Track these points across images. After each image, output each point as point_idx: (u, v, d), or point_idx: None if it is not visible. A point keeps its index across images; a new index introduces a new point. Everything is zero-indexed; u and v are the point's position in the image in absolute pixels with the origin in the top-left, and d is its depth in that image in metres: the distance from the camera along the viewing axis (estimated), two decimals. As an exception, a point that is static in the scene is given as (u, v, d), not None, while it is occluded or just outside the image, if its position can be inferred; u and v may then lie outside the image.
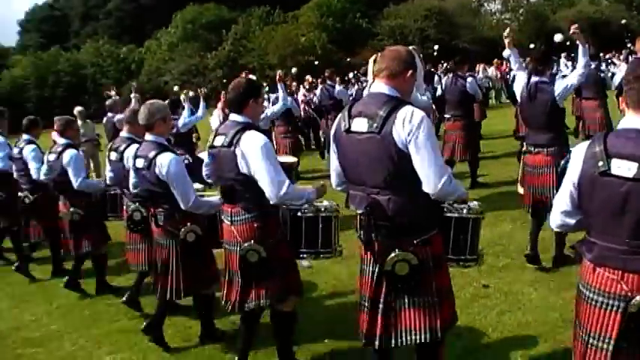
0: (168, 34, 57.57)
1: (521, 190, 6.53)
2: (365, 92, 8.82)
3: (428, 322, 3.51)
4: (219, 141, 4.38)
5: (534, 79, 6.22)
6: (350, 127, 3.52)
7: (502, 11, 68.66)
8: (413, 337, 3.51)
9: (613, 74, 13.59)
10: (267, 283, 4.39)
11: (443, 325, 3.54)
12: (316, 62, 28.98)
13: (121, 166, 5.99)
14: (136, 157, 5.18)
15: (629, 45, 14.59)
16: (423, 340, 3.50)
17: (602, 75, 11.33)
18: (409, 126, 3.28)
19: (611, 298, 2.85)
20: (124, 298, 6.23)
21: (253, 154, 4.15)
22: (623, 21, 35.66)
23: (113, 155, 6.18)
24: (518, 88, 6.48)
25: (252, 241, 4.28)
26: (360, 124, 3.47)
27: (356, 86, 18.43)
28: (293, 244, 4.52)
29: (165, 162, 4.87)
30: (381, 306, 3.53)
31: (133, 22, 62.46)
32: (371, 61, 14.48)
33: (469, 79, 10.15)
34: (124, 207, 6.24)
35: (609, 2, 70.52)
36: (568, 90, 6.22)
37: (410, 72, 3.54)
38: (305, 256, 4.66)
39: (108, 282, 7.18)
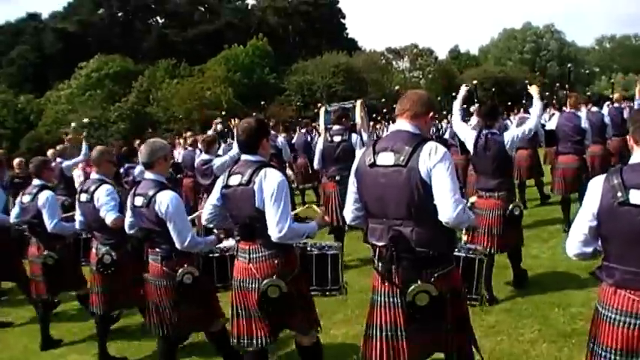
0: (69, 85, 56.67)
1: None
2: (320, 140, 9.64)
3: (445, 341, 3.85)
4: (235, 180, 4.57)
5: (485, 131, 7.02)
6: (375, 161, 3.83)
7: (410, 69, 71.65)
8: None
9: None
10: (292, 318, 4.60)
11: (458, 345, 3.90)
12: (223, 113, 29.42)
13: (92, 207, 6.12)
14: (134, 195, 5.26)
15: (525, 102, 16.49)
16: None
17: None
18: (434, 157, 3.63)
19: (633, 317, 3.17)
20: None
21: (270, 190, 4.38)
22: (526, 81, 38.35)
23: (83, 197, 6.27)
24: (470, 140, 7.19)
25: (274, 277, 4.44)
26: (386, 158, 3.78)
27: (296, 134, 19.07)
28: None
29: (165, 200, 5.02)
30: (402, 333, 3.78)
31: (35, 71, 61.22)
32: (322, 112, 15.22)
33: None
34: (94, 250, 6.28)
35: (514, 63, 75.50)
36: (517, 139, 6.98)
37: (431, 114, 3.98)
38: (314, 293, 4.90)
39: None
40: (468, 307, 4.25)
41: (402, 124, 3.93)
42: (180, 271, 5.13)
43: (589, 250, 3.43)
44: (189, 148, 13.59)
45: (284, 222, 4.34)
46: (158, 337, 5.49)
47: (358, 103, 22.19)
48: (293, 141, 16.67)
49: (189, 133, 17.11)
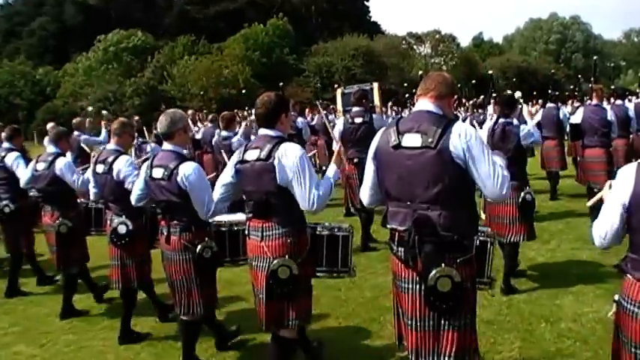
0: (87, 58, 56.86)
1: (483, 216, 7.27)
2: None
3: (463, 346, 3.70)
4: (252, 155, 4.48)
5: (502, 120, 7.08)
6: (400, 142, 3.70)
7: (432, 55, 71.49)
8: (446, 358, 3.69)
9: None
10: (294, 303, 4.48)
11: (469, 349, 3.77)
12: (244, 91, 29.03)
13: (109, 178, 6.04)
14: (152, 167, 5.17)
15: (554, 93, 16.42)
16: None
17: (560, 117, 12.78)
18: (465, 139, 3.54)
19: None
20: (119, 335, 6.25)
21: (292, 166, 4.31)
22: (552, 71, 38.34)
23: (100, 167, 6.17)
24: (485, 128, 7.32)
25: (286, 256, 4.37)
26: (412, 140, 3.66)
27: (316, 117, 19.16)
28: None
29: (188, 171, 4.96)
30: (424, 324, 3.70)
31: (55, 43, 61.51)
32: (338, 94, 15.40)
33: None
34: (109, 221, 6.18)
35: (538, 53, 75.36)
36: (530, 135, 7.02)
37: (454, 97, 3.93)
38: (321, 275, 4.84)
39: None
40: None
41: (426, 104, 3.82)
42: (200, 245, 5.11)
43: (616, 240, 3.29)
44: (210, 125, 13.64)
45: (313, 192, 4.30)
46: (179, 316, 5.42)
47: (375, 85, 22.17)
48: (313, 122, 16.68)
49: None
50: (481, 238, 4.35)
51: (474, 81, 33.11)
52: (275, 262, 4.36)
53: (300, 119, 14.27)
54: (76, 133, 12.42)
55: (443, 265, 3.57)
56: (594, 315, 6.18)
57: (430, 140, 3.58)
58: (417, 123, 3.71)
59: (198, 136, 13.81)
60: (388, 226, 3.88)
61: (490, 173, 3.57)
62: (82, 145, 11.86)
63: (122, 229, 6.01)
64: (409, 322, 3.76)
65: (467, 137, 3.57)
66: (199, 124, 16.54)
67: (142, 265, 6.25)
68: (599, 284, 7.02)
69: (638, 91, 14.26)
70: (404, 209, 3.73)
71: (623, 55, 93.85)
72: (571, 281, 7.23)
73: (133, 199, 5.53)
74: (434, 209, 3.61)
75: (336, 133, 9.46)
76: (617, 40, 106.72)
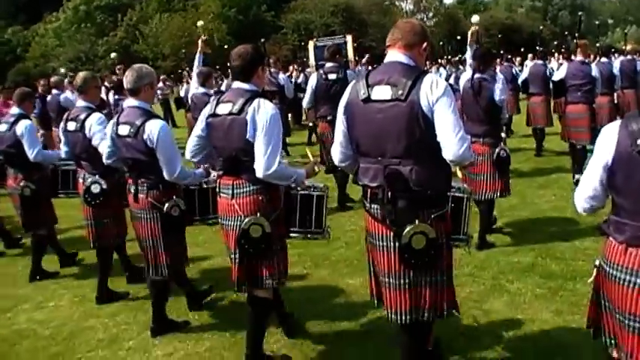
0: (57, 17, 55.90)
1: (459, 174, 7.44)
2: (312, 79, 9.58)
3: (436, 300, 3.73)
4: (224, 109, 4.37)
5: (477, 75, 7.18)
6: (370, 95, 3.64)
7: (414, 11, 71.14)
8: (423, 314, 3.73)
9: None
10: (268, 263, 4.44)
11: (447, 306, 3.79)
12: (226, 46, 28.45)
13: (81, 136, 5.99)
14: (118, 123, 5.14)
15: (541, 49, 16.54)
16: (426, 318, 3.75)
17: (547, 73, 13.01)
18: (436, 91, 3.47)
19: None
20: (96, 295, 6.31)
21: (262, 122, 4.19)
22: (541, 27, 38.56)
23: (71, 125, 6.09)
24: (462, 83, 7.48)
25: (257, 214, 4.32)
26: (382, 92, 3.60)
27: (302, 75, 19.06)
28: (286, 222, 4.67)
29: (154, 129, 4.92)
30: (399, 282, 3.70)
31: (29, 2, 60.12)
32: (310, 47, 15.35)
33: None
34: (81, 180, 6.14)
35: (525, 10, 75.36)
36: (501, 95, 7.12)
37: (424, 44, 3.78)
38: (294, 235, 4.81)
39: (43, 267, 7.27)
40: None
41: (395, 54, 3.73)
42: (167, 203, 5.10)
43: (599, 204, 3.26)
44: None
45: (273, 159, 4.18)
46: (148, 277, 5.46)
47: (349, 38, 21.97)
48: (299, 80, 16.71)
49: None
50: (457, 194, 4.36)
51: (458, 37, 33.10)
52: (246, 220, 4.30)
53: (282, 76, 14.23)
54: (54, 91, 12.33)
55: (417, 221, 3.56)
56: (568, 271, 6.39)
57: (400, 92, 3.53)
58: (386, 75, 3.66)
59: (182, 94, 13.75)
60: (360, 182, 3.86)
61: (451, 130, 3.48)
62: (63, 105, 11.67)
63: (96, 189, 6.00)
64: (385, 280, 3.78)
65: (437, 89, 3.51)
66: (184, 83, 16.51)
67: (117, 224, 6.24)
68: (578, 241, 7.25)
69: (623, 48, 14.29)
70: (375, 165, 3.70)
71: (611, 12, 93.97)
72: (547, 238, 7.49)
73: (103, 157, 5.50)
74: (405, 164, 3.58)
75: (308, 91, 9.42)
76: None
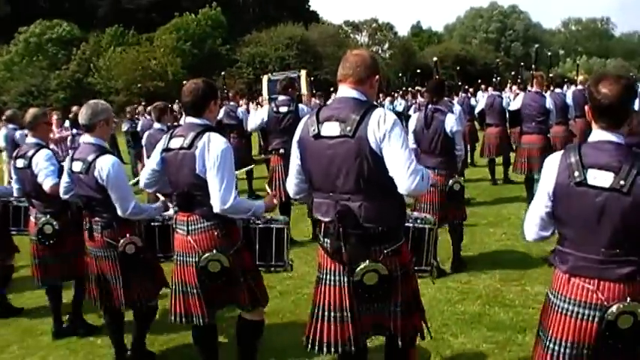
0: (7, 51, 55.17)
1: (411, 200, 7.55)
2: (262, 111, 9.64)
3: (392, 331, 3.77)
4: (176, 143, 4.39)
5: (430, 107, 7.29)
6: (320, 131, 3.68)
7: (369, 44, 71.89)
8: (381, 333, 3.85)
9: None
10: (233, 294, 4.51)
11: (407, 331, 3.81)
12: (182, 80, 28.38)
13: (29, 173, 5.99)
14: (72, 160, 5.15)
15: (497, 80, 16.97)
16: (386, 336, 3.85)
17: (503, 104, 13.45)
18: (383, 127, 3.50)
19: (587, 307, 3.09)
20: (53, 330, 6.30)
21: (213, 157, 4.23)
22: (497, 60, 39.38)
23: (20, 162, 6.10)
24: (413, 118, 7.63)
25: (214, 250, 4.33)
26: (331, 129, 3.64)
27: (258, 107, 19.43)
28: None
29: (105, 165, 4.92)
30: (348, 314, 3.71)
31: None
32: (265, 80, 15.63)
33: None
34: (33, 219, 6.14)
35: (479, 42, 76.96)
36: (455, 127, 7.26)
37: (376, 77, 3.80)
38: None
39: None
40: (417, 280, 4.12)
41: (346, 90, 3.76)
42: (122, 241, 5.07)
43: (547, 233, 3.38)
44: (148, 117, 13.54)
45: (229, 194, 4.22)
46: (103, 310, 5.47)
47: (303, 72, 22.13)
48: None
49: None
50: (418, 225, 4.43)
51: (418, 70, 33.69)
52: (204, 256, 4.33)
53: (240, 109, 14.37)
54: (10, 126, 12.17)
55: (367, 261, 3.61)
56: (518, 320, 6.18)
57: (348, 129, 3.57)
58: (336, 111, 3.70)
59: (138, 129, 13.72)
60: (314, 216, 3.90)
61: (402, 163, 3.51)
62: (18, 142, 11.35)
63: (49, 230, 5.99)
64: (337, 315, 3.76)
65: (385, 124, 3.54)
66: (141, 117, 16.44)
67: (71, 260, 6.15)
68: (529, 285, 7.08)
69: (575, 78, 14.71)
70: (327, 200, 3.74)
71: (562, 43, 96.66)
72: (496, 282, 7.26)
73: (61, 192, 5.48)
74: (355, 200, 3.61)
75: (257, 121, 9.54)
76: (556, 29, 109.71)
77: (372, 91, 3.85)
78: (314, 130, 3.72)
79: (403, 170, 3.50)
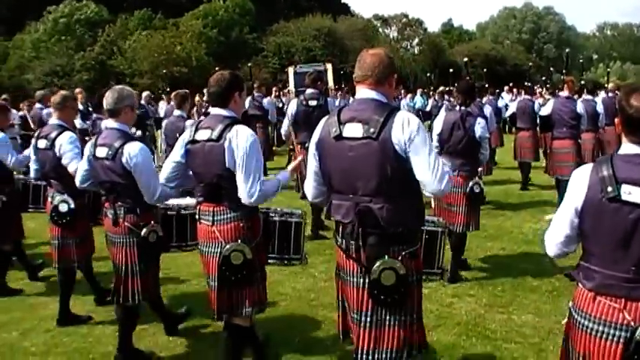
0: (36, 29, 55.60)
1: (433, 203, 7.51)
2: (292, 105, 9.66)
3: (407, 342, 3.73)
4: (203, 135, 4.44)
5: (462, 109, 7.31)
6: (342, 133, 3.70)
7: (398, 39, 71.82)
8: (391, 356, 3.72)
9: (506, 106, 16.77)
10: (250, 290, 4.50)
11: (416, 345, 3.80)
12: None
13: (52, 154, 6.02)
14: (95, 145, 5.13)
15: (529, 84, 16.82)
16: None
17: (534, 108, 13.45)
18: (408, 130, 3.54)
19: (613, 327, 2.99)
20: (57, 317, 6.24)
21: (241, 150, 4.30)
22: (530, 63, 39.13)
23: (42, 143, 6.14)
24: (439, 119, 7.56)
25: (239, 241, 4.38)
26: (353, 130, 3.65)
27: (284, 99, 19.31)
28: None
29: (134, 151, 4.94)
30: (367, 319, 3.71)
31: (10, 14, 59.01)
32: (290, 73, 15.66)
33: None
34: (50, 199, 6.18)
35: (511, 42, 76.51)
36: (484, 132, 7.31)
37: (394, 75, 3.84)
38: (272, 262, 4.86)
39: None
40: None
41: (366, 92, 3.79)
42: (145, 228, 5.11)
43: (570, 249, 3.30)
44: (172, 103, 13.63)
45: (256, 185, 4.30)
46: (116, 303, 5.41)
47: (329, 66, 22.13)
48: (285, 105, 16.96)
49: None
50: (430, 228, 4.47)
51: (451, 70, 33.63)
52: (227, 246, 4.36)
53: (266, 100, 14.48)
54: (37, 105, 12.37)
55: (386, 257, 3.61)
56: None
57: (372, 130, 3.58)
58: (358, 112, 3.71)
59: (161, 115, 13.79)
60: (332, 218, 3.91)
61: (430, 166, 3.57)
62: (45, 120, 11.53)
63: (64, 208, 6.00)
64: (354, 316, 3.80)
65: (409, 127, 3.57)
66: (163, 103, 16.54)
67: (83, 245, 6.23)
68: (517, 313, 6.52)
69: (606, 85, 14.61)
70: (347, 202, 3.75)
71: (596, 48, 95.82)
72: (479, 307, 6.68)
73: (77, 180, 5.50)
74: (376, 202, 3.63)
75: (289, 114, 9.52)
76: (590, 33, 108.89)
77: (391, 90, 3.89)
78: (335, 132, 3.74)
79: (432, 173, 3.56)
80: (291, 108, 9.57)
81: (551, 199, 11.39)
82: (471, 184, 7.24)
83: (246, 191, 4.29)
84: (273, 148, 16.34)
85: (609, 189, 2.93)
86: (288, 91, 21.80)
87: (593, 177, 3.02)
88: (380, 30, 72.46)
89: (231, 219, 4.44)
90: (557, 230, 3.26)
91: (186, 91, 10.32)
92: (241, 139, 4.34)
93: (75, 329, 6.20)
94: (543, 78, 30.88)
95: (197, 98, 18.33)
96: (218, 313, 4.56)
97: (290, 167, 4.90)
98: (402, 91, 24.07)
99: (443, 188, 3.61)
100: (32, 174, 6.56)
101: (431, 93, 24.02)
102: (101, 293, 6.76)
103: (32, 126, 12.55)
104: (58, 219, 6.03)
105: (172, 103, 13.28)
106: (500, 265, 8.05)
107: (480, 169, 7.73)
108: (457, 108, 7.46)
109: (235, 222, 4.44)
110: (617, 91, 14.16)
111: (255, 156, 4.36)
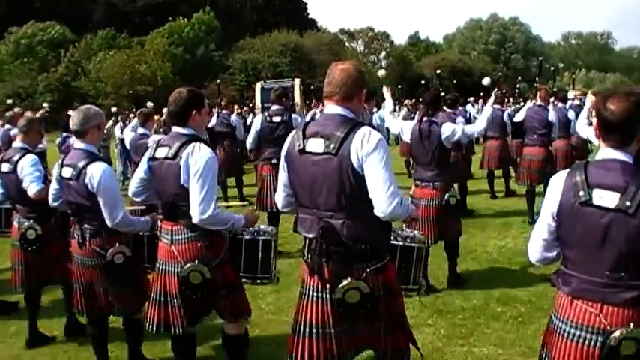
0: (-2, 51, 55.40)
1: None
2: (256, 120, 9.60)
3: (375, 344, 3.77)
4: (162, 153, 4.45)
5: (425, 119, 7.24)
6: (304, 147, 3.69)
7: (365, 53, 72.22)
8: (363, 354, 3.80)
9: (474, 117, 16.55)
10: (210, 306, 4.55)
11: (392, 353, 3.79)
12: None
13: (14, 178, 5.97)
14: (62, 166, 5.10)
15: (498, 93, 17.01)
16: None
17: (504, 118, 13.44)
18: (367, 146, 3.50)
19: (590, 332, 3.04)
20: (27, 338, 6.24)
21: (196, 167, 4.29)
22: (499, 73, 39.70)
23: (5, 167, 6.09)
24: (407, 129, 7.52)
25: (196, 261, 4.38)
26: (315, 145, 3.65)
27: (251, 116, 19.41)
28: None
29: (96, 172, 4.86)
30: (331, 331, 3.70)
31: None
32: (257, 89, 15.59)
33: None
34: (16, 224, 6.12)
35: (478, 54, 77.40)
36: (455, 136, 7.21)
37: (363, 90, 3.81)
38: (243, 280, 4.79)
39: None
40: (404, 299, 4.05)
41: (333, 108, 3.75)
42: (110, 250, 5.01)
43: (552, 254, 3.35)
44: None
45: (207, 204, 4.27)
46: (87, 320, 5.42)
47: (297, 81, 22.15)
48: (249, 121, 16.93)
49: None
50: (407, 244, 4.41)
51: (422, 81, 33.91)
52: (186, 266, 4.38)
53: (233, 117, 14.45)
54: (7, 126, 12.22)
55: (349, 278, 3.59)
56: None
57: (332, 146, 3.57)
58: (322, 127, 3.71)
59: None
60: (299, 231, 3.89)
61: (381, 187, 3.51)
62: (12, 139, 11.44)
63: (31, 235, 5.96)
64: (306, 330, 3.76)
65: (368, 144, 3.53)
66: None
67: (57, 265, 6.13)
68: (516, 304, 6.79)
69: (572, 92, 14.83)
70: (310, 216, 3.74)
71: (562, 57, 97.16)
72: (446, 315, 6.61)
73: (49, 199, 5.46)
74: (337, 218, 3.62)
75: (252, 130, 9.52)
76: (556, 42, 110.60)
77: (360, 105, 3.87)
78: (299, 146, 3.74)
79: (381, 193, 3.51)
80: (256, 124, 9.57)
81: (518, 211, 11.42)
82: (446, 196, 7.19)
83: (197, 209, 4.26)
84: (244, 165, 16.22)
85: (581, 193, 3.02)
86: (253, 105, 21.74)
87: (567, 182, 3.11)
88: (347, 44, 72.81)
89: (189, 238, 4.44)
90: (536, 235, 3.34)
91: (150, 109, 10.24)
92: (197, 156, 4.33)
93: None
94: (502, 92, 31.16)
95: (156, 117, 18.24)
96: (183, 326, 4.54)
97: (247, 214, 4.80)
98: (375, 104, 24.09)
99: (390, 210, 3.52)
100: None
101: (397, 107, 24.00)
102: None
103: None
104: (27, 246, 6.00)
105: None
106: (463, 288, 7.47)
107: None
108: (417, 117, 7.48)
109: (193, 241, 4.44)
110: (580, 98, 14.43)
111: (211, 175, 4.34)
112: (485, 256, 8.86)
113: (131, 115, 19.44)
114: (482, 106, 22.46)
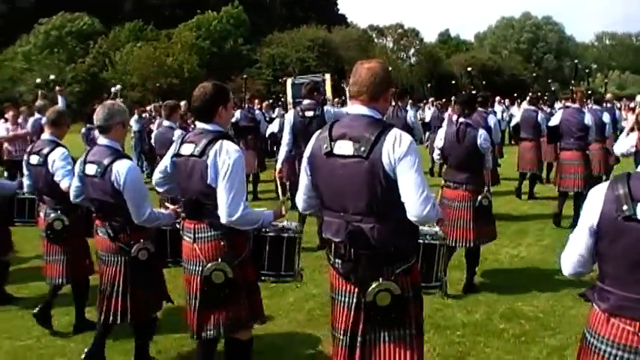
0: (27, 41, 55.83)
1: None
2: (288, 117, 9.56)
3: (408, 357, 3.65)
4: (187, 149, 4.35)
5: (461, 120, 7.20)
6: (332, 149, 3.63)
7: (394, 49, 71.93)
8: None
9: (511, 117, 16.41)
10: (231, 307, 4.40)
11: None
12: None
13: (44, 170, 5.96)
14: (85, 162, 5.07)
15: (533, 95, 16.81)
16: None
17: (538, 119, 13.39)
18: (399, 150, 3.45)
19: (627, 351, 2.91)
20: (35, 311, 6.24)
21: (225, 168, 4.18)
22: (533, 74, 39.32)
23: (34, 159, 6.09)
24: (440, 134, 7.49)
25: (219, 260, 4.29)
26: (344, 147, 3.58)
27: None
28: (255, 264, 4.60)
29: (122, 170, 4.84)
30: (359, 339, 3.64)
31: (4, 25, 59.07)
32: (288, 84, 15.38)
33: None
34: (42, 215, 6.13)
35: (509, 52, 76.85)
36: (486, 138, 7.22)
37: (390, 90, 3.78)
38: (265, 278, 4.74)
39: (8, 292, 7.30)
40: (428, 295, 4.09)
41: (359, 108, 3.69)
42: (135, 246, 4.99)
43: (585, 270, 3.20)
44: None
45: (236, 205, 4.18)
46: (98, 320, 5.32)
47: (327, 77, 22.04)
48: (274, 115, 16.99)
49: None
50: (429, 242, 4.33)
51: (453, 81, 33.64)
52: (208, 266, 4.29)
53: (258, 112, 14.51)
54: (37, 115, 12.38)
55: (380, 279, 3.54)
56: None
57: (363, 149, 3.51)
58: (349, 129, 3.63)
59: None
60: (324, 235, 3.83)
61: (414, 190, 3.46)
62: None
63: (58, 226, 5.96)
64: (341, 338, 3.72)
65: (400, 147, 3.47)
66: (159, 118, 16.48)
67: (78, 259, 6.14)
68: (521, 320, 6.47)
69: (603, 96, 14.64)
70: (337, 220, 3.67)
71: (595, 58, 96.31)
72: (444, 331, 6.21)
73: (71, 195, 5.41)
74: (367, 221, 3.55)
75: (287, 127, 9.41)
76: (589, 43, 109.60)
77: (386, 104, 3.82)
78: (326, 148, 3.67)
79: (415, 197, 3.46)
80: (288, 120, 9.51)
81: (536, 217, 11.29)
82: (479, 197, 7.11)
83: (226, 210, 4.18)
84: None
85: (624, 207, 2.84)
86: (285, 100, 21.70)
87: (608, 195, 2.94)
88: (375, 40, 72.63)
89: (211, 237, 4.36)
90: (572, 249, 3.17)
91: (176, 101, 10.18)
92: (225, 155, 4.23)
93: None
94: (533, 92, 30.97)
95: (183, 108, 18.28)
96: (197, 332, 4.45)
97: (275, 209, 4.74)
98: (410, 102, 23.87)
99: (424, 214, 3.48)
100: (25, 188, 6.54)
101: (424, 104, 23.86)
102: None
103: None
104: (53, 237, 5.99)
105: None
106: (466, 301, 7.08)
107: (486, 178, 7.62)
108: (447, 117, 7.40)
109: (216, 240, 4.34)
110: (612, 102, 14.25)
111: (240, 174, 4.25)
112: (496, 265, 8.51)
113: (149, 108, 19.29)
114: (508, 105, 22.19)
